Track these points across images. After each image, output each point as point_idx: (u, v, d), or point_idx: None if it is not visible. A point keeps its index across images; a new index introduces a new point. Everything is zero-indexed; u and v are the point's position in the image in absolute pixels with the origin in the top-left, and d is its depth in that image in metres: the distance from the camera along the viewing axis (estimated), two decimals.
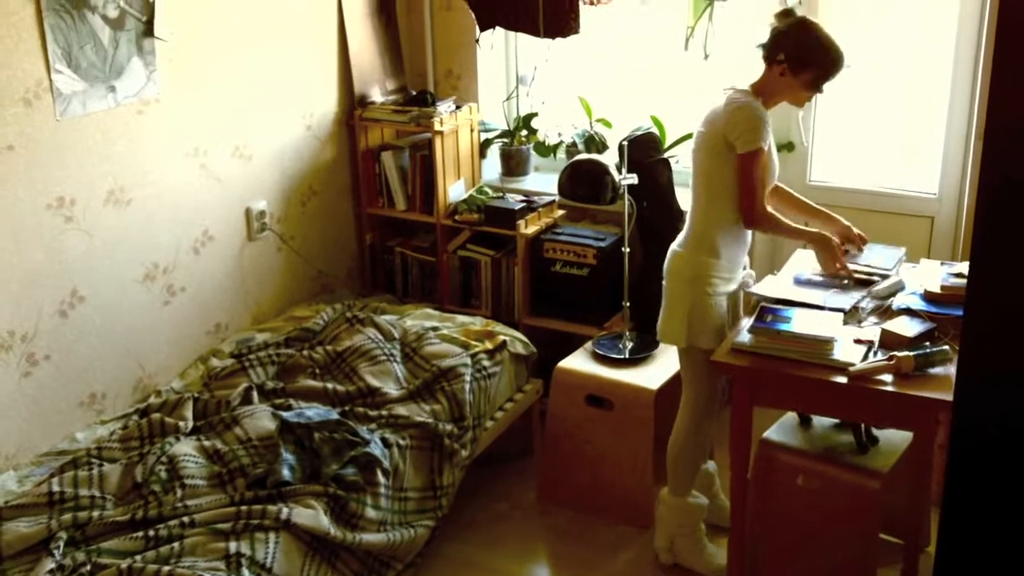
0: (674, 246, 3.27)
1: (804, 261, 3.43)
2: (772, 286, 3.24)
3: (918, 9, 4.03)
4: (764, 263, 4.17)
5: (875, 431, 3.09)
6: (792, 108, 4.09)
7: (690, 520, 3.37)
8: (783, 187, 3.44)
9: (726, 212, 3.14)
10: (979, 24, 3.73)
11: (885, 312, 3.07)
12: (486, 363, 3.67)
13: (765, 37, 3.12)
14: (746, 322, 3.04)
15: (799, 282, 3.27)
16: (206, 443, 3.23)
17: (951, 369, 2.69)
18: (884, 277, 3.21)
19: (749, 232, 3.26)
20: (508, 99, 4.74)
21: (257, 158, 4.06)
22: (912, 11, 4.04)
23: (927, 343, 2.84)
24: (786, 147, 4.18)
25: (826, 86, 3.12)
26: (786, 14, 3.13)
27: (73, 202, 3.36)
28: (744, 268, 3.35)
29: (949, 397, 2.37)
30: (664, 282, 3.28)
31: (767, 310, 3.02)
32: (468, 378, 3.55)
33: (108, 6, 3.34)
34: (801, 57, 3.05)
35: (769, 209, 3.15)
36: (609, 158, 4.17)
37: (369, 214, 4.60)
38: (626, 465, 3.61)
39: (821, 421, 3.17)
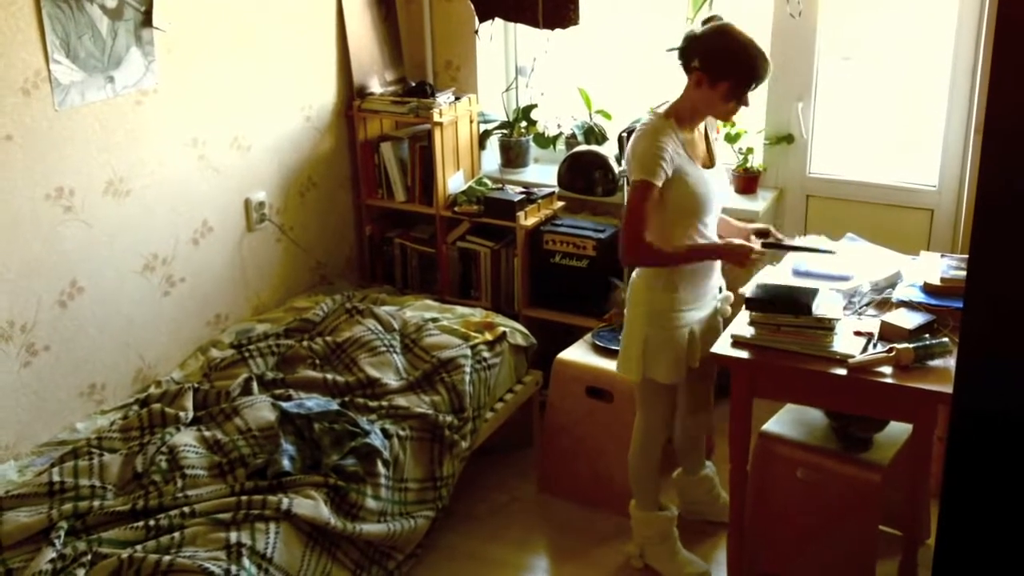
0: (634, 276, 3.18)
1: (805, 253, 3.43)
2: (771, 277, 3.24)
3: (918, 1, 4.02)
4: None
5: (866, 431, 3.08)
6: (791, 98, 4.09)
7: (659, 531, 3.35)
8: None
9: (672, 243, 3.02)
10: (979, 15, 3.72)
11: (884, 304, 3.07)
12: (486, 354, 3.67)
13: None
14: (744, 314, 3.05)
15: (798, 273, 3.27)
16: (206, 433, 3.23)
17: (951, 361, 2.70)
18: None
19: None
20: (507, 90, 4.73)
21: (256, 149, 4.06)
22: (912, 3, 4.04)
23: (927, 335, 2.84)
24: (785, 139, 4.18)
25: (750, 96, 2.97)
26: (710, 20, 2.98)
27: (72, 192, 3.36)
28: (721, 290, 3.29)
29: (949, 389, 2.37)
30: (626, 311, 3.23)
31: None
32: (468, 369, 3.55)
33: None
34: (718, 64, 2.89)
35: (649, 241, 2.94)
36: (609, 149, 4.17)
37: (368, 205, 4.60)
38: (625, 457, 3.60)
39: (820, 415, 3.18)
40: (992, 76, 1.84)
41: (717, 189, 3.11)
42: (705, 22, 2.99)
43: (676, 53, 2.99)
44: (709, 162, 3.12)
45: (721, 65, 2.91)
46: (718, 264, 3.21)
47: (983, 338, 1.98)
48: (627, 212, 2.98)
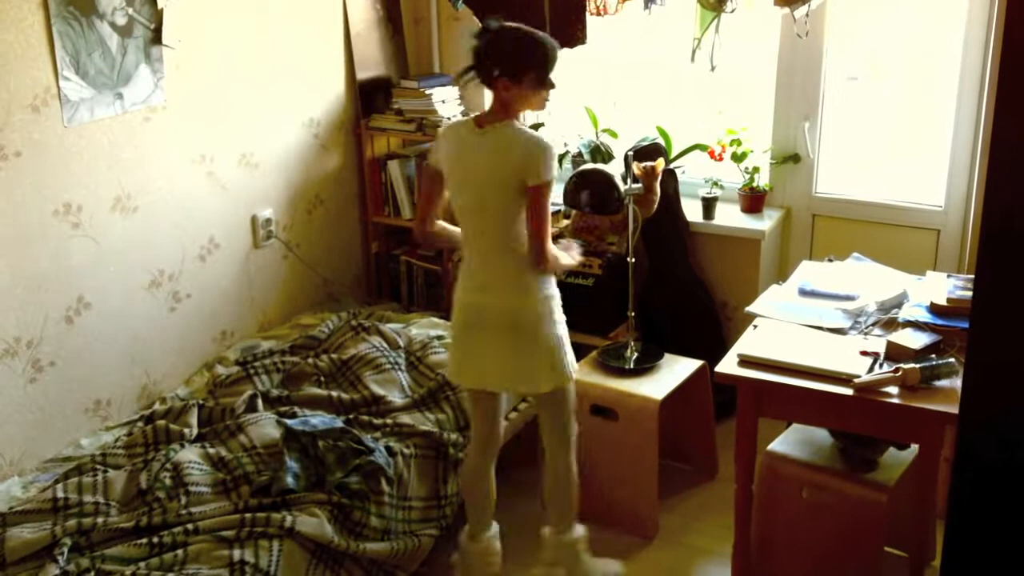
0: (511, 300, 3.01)
1: (811, 272, 3.43)
2: (774, 298, 3.24)
3: (925, 21, 4.03)
4: (770, 273, 4.17)
5: (872, 452, 3.07)
6: (797, 118, 4.10)
7: (580, 549, 3.30)
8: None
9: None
10: (986, 35, 3.73)
11: (891, 324, 3.07)
12: None
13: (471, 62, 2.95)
14: (750, 332, 3.05)
15: (804, 293, 3.27)
16: (210, 450, 3.23)
17: (957, 382, 2.68)
18: None
19: None
20: None
21: (264, 166, 4.07)
22: (919, 23, 4.05)
23: (933, 355, 2.84)
24: (792, 159, 4.18)
25: (554, 79, 2.96)
26: (485, 30, 2.93)
27: (80, 208, 3.37)
28: None
29: (955, 410, 2.36)
30: (512, 337, 3.02)
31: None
32: None
33: (117, 13, 3.35)
34: (515, 64, 2.87)
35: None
36: (615, 168, 4.17)
37: (375, 222, 4.61)
38: (630, 475, 3.60)
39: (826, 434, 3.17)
40: (998, 96, 1.85)
41: None
42: (479, 35, 2.93)
43: (472, 73, 2.95)
44: None
45: (518, 63, 2.87)
46: None
47: (990, 358, 1.97)
48: (543, 214, 2.90)
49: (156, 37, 3.50)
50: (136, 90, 3.47)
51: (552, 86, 2.96)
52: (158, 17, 3.49)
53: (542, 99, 2.98)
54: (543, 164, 2.88)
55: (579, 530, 3.30)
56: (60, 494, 3.02)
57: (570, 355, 3.09)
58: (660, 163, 3.58)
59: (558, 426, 3.20)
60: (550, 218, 2.94)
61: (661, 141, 4.22)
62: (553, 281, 3.08)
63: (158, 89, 3.55)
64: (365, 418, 3.42)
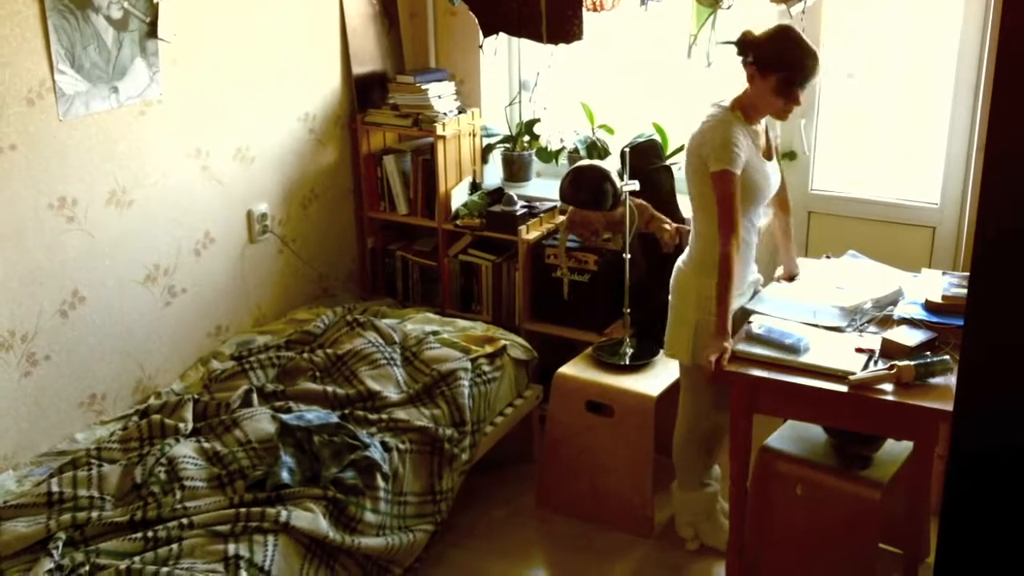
0: (680, 263, 3.33)
1: (807, 269, 3.43)
2: (770, 295, 3.24)
3: (921, 19, 4.03)
4: (768, 270, 4.17)
5: (866, 449, 3.08)
6: (793, 115, 4.09)
7: (703, 508, 3.50)
8: (786, 198, 3.48)
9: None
10: (982, 33, 3.73)
11: (886, 321, 3.07)
12: (486, 368, 3.67)
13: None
14: (745, 330, 3.05)
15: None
16: (206, 445, 3.23)
17: (952, 379, 2.69)
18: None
19: (752, 246, 3.28)
20: (511, 104, 4.74)
21: (259, 160, 4.06)
22: (915, 21, 4.05)
23: (928, 353, 2.84)
24: (788, 156, 4.18)
25: (802, 96, 3.09)
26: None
27: (75, 202, 3.36)
28: (753, 275, 3.37)
29: (949, 407, 2.37)
30: (671, 298, 3.34)
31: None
32: (467, 382, 3.55)
33: (112, 7, 3.35)
34: (768, 58, 3.03)
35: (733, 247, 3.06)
36: (611, 164, 4.17)
37: (370, 218, 4.60)
38: (625, 472, 3.60)
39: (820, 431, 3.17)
40: (994, 94, 1.85)
41: (774, 182, 3.26)
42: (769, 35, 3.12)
43: (735, 48, 3.11)
44: (768, 155, 3.25)
45: (771, 58, 3.03)
46: (753, 252, 3.31)
47: (984, 356, 1.97)
48: (723, 203, 3.05)
49: (152, 31, 3.49)
50: (131, 84, 3.46)
51: (795, 100, 3.07)
52: (153, 11, 3.48)
53: (779, 106, 3.10)
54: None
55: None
56: (55, 488, 3.02)
57: (686, 339, 3.26)
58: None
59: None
60: (731, 204, 3.06)
61: (657, 137, 4.22)
62: (714, 271, 3.13)
63: (153, 83, 3.54)
64: (360, 413, 3.42)
